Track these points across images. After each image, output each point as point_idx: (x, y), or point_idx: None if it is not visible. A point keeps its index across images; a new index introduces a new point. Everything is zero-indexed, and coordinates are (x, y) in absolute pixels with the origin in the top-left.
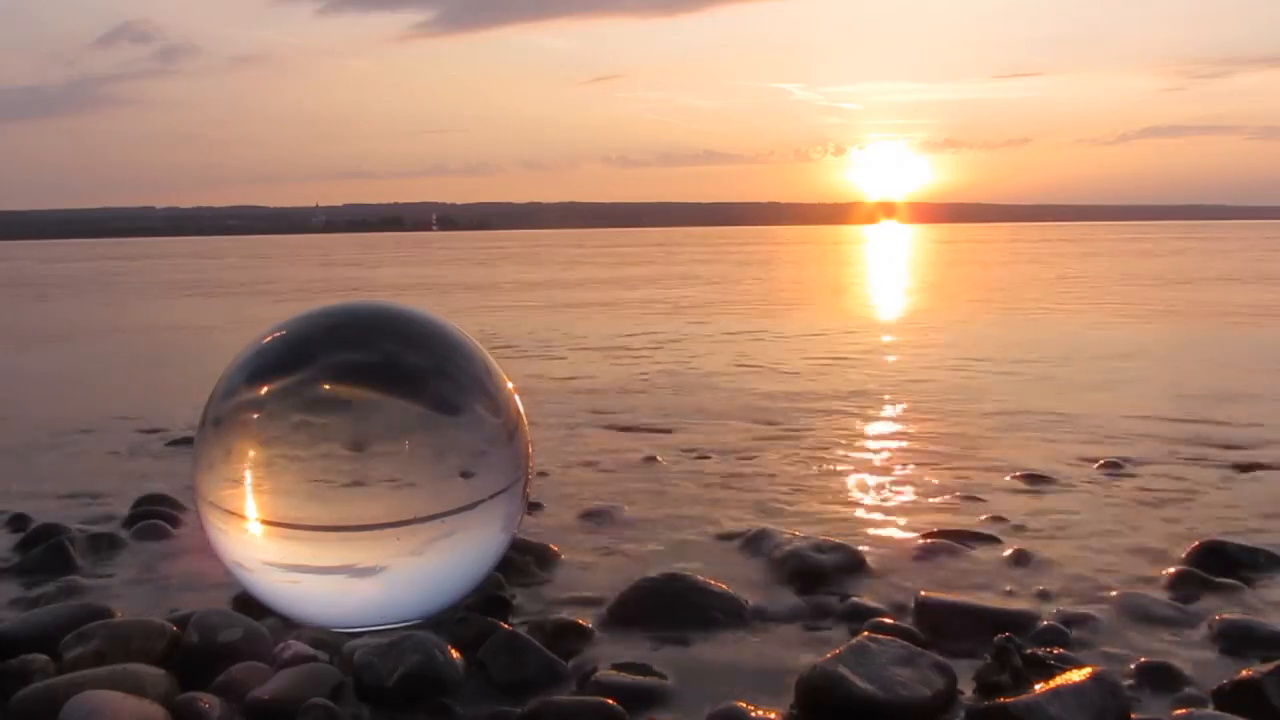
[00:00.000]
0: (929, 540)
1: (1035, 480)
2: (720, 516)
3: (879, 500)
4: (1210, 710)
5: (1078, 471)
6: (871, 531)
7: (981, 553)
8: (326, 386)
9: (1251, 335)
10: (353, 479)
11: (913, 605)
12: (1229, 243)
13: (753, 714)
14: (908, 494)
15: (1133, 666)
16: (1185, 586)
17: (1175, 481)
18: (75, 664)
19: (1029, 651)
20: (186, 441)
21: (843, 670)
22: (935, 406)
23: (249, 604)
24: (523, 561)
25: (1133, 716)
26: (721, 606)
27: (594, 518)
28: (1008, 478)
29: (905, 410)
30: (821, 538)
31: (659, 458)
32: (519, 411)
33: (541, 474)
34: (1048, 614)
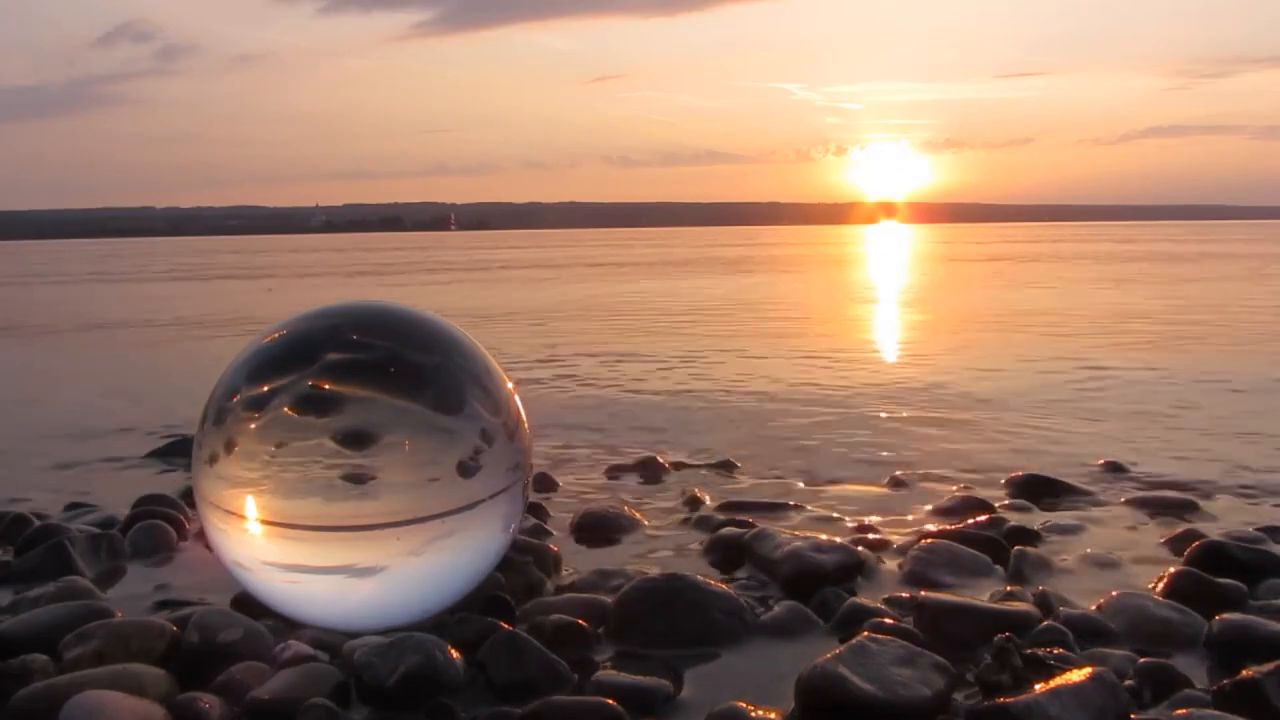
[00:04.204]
0: (929, 540)
1: (1036, 480)
2: (720, 516)
3: (879, 500)
4: (1210, 710)
5: (1078, 471)
6: (871, 532)
7: (981, 553)
8: (326, 386)
9: (1252, 333)
10: (353, 479)
11: (913, 605)
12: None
13: (753, 714)
14: (908, 494)
15: (1133, 666)
16: (1185, 586)
17: (1176, 482)
18: (75, 664)
19: (1029, 651)
20: (186, 441)
21: (843, 670)
22: (935, 408)
23: (249, 604)
24: (523, 562)
25: (1133, 716)
26: (721, 607)
27: (594, 517)
28: (1008, 478)
29: (906, 411)
30: (821, 538)
31: (659, 457)
32: (519, 411)
33: (542, 474)
34: (1048, 614)
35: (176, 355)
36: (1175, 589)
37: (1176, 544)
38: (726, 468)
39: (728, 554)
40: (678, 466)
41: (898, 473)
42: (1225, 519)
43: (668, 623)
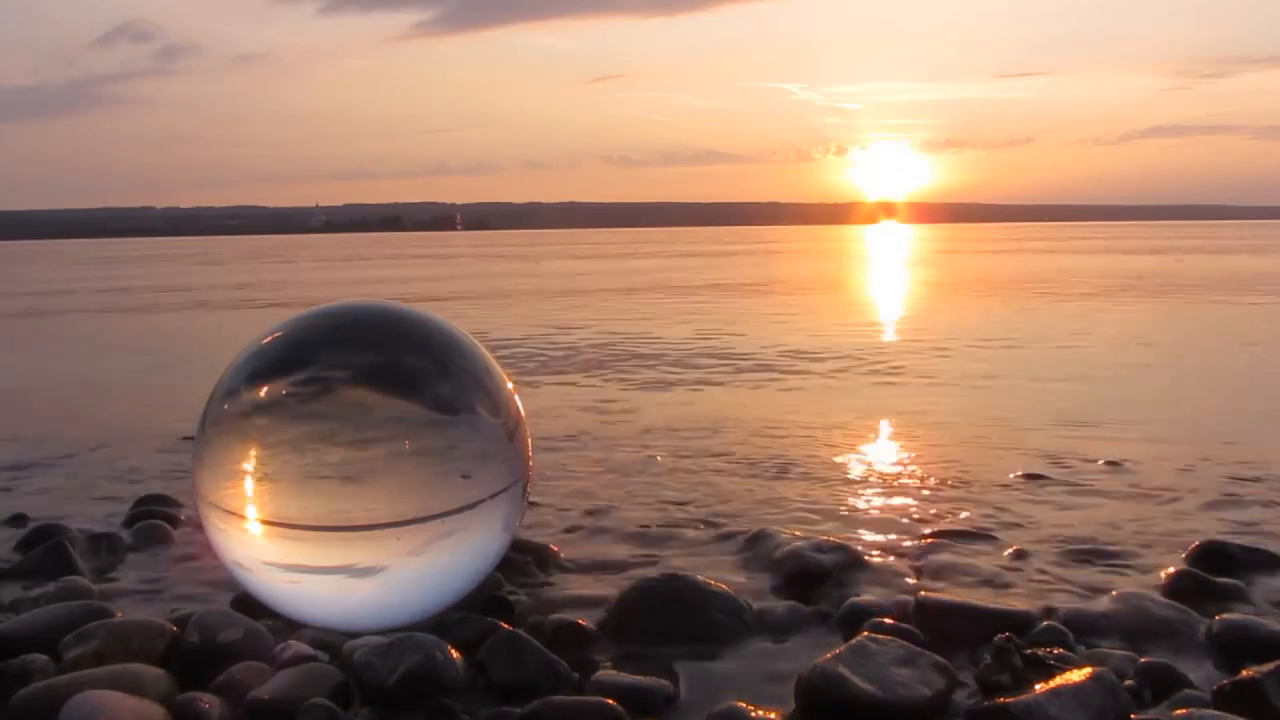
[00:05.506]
0: (929, 540)
1: (1035, 480)
2: (720, 516)
3: (879, 500)
4: (1210, 710)
5: (1078, 471)
6: (871, 531)
7: (981, 552)
8: (326, 386)
9: (1253, 332)
10: (353, 479)
11: (913, 605)
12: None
13: (753, 714)
14: (908, 494)
15: (1133, 667)
16: (1185, 586)
17: (1176, 481)
18: (75, 664)
19: (1029, 651)
20: (186, 441)
21: (843, 670)
22: (935, 406)
23: (249, 604)
24: (523, 561)
25: (1133, 716)
26: (721, 607)
27: (594, 517)
28: (1008, 477)
29: (906, 410)
30: (821, 538)
31: (659, 457)
32: (519, 411)
33: (542, 474)
34: (1048, 614)
35: None
36: (1175, 589)
37: (1176, 543)
38: (726, 464)
39: (728, 553)
40: (677, 462)
41: (899, 472)
42: (1226, 518)
43: (668, 623)
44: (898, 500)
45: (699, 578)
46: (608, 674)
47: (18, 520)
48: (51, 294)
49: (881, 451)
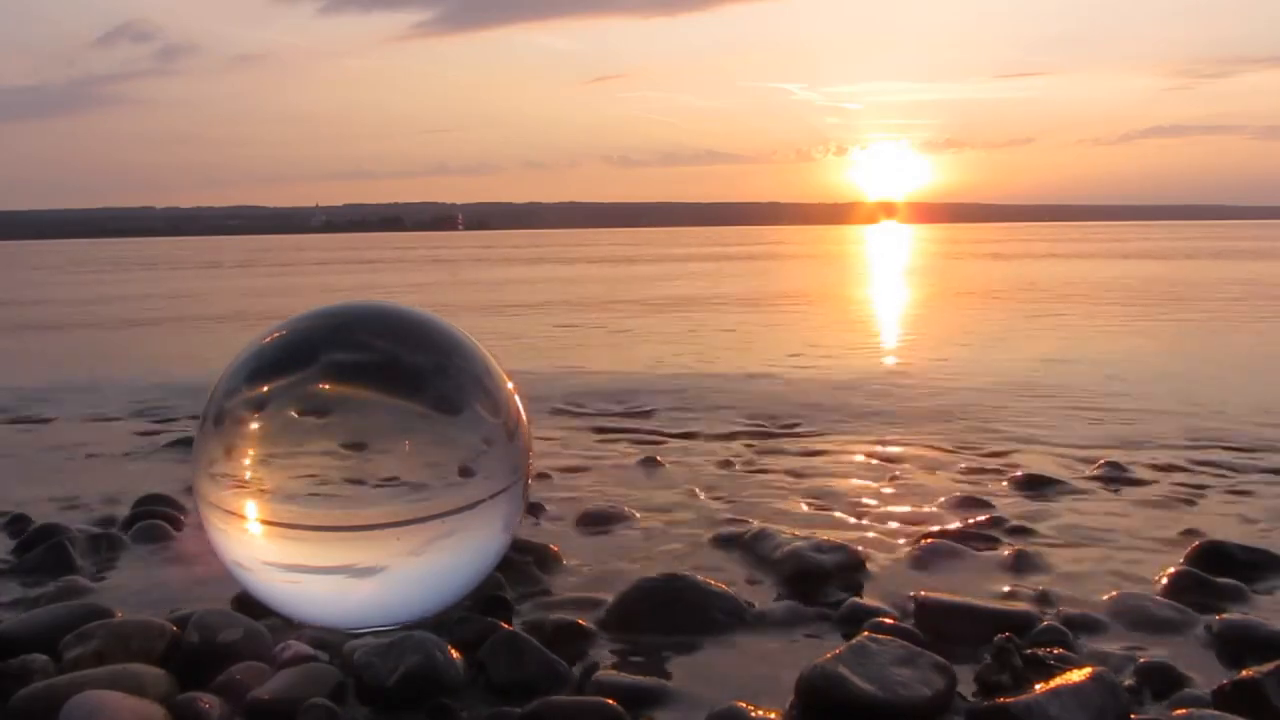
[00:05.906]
0: (929, 540)
1: (1035, 480)
2: (720, 516)
3: (879, 500)
4: (1210, 710)
5: (1078, 472)
6: (871, 532)
7: (981, 553)
8: (326, 386)
9: (1251, 334)
10: (353, 479)
11: (913, 605)
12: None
13: (753, 714)
14: (908, 494)
15: (1133, 666)
16: (1185, 586)
17: (1176, 482)
18: (75, 664)
19: (1029, 651)
20: (186, 441)
21: (843, 670)
22: (935, 407)
23: (249, 604)
24: (523, 562)
25: (1133, 716)
26: (721, 607)
27: (594, 518)
28: (1008, 478)
29: (905, 410)
30: (821, 538)
31: (659, 458)
32: (519, 411)
33: (542, 475)
34: (1048, 614)
35: None
36: (1175, 588)
37: (1176, 543)
38: (726, 463)
39: (728, 553)
40: (677, 463)
41: (899, 472)
42: (1226, 518)
43: (668, 622)
44: (898, 500)
45: (699, 577)
46: (608, 674)
47: (18, 520)
48: (52, 300)
49: (882, 451)
